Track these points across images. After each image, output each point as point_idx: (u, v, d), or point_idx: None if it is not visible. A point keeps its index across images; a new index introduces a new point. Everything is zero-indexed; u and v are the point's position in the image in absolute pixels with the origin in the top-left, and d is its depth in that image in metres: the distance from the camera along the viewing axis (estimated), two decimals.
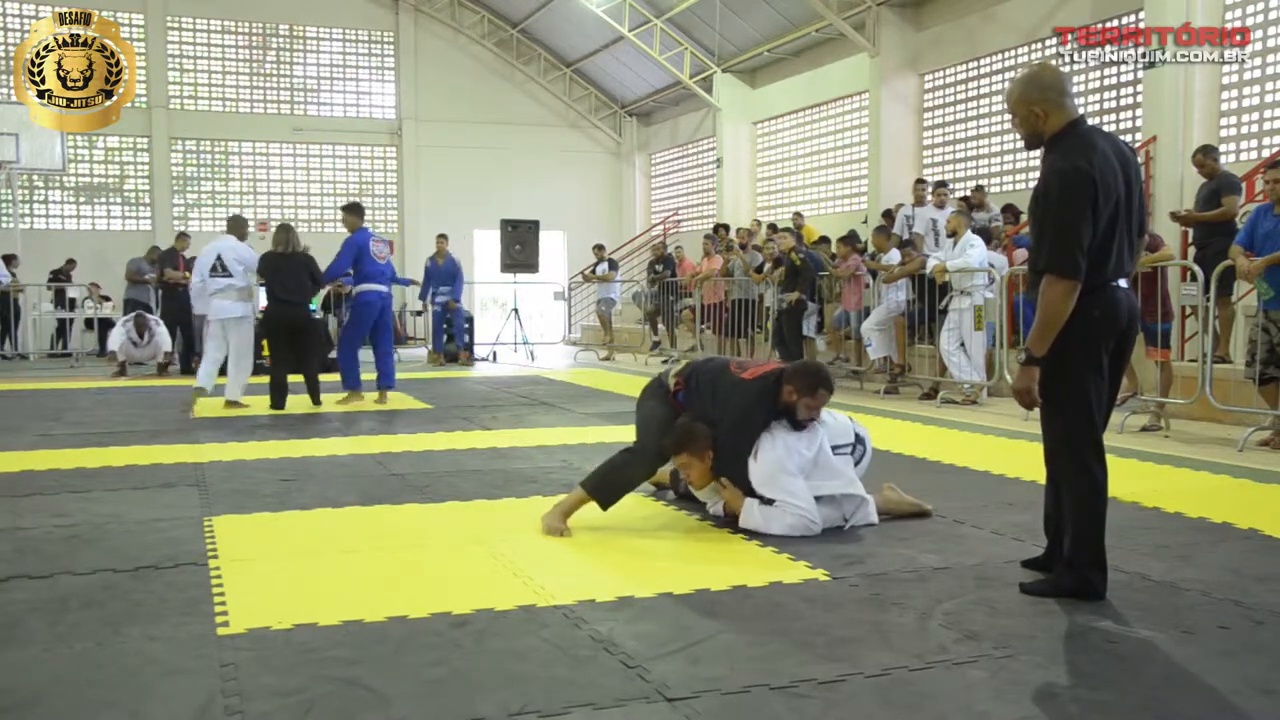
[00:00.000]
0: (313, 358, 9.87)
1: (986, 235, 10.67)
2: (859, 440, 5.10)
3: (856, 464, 5.04)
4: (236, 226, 10.05)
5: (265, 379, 9.98)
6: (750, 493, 4.80)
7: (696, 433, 4.85)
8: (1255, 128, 11.65)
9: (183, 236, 15.74)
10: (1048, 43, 14.06)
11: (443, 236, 16.48)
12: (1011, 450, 7.26)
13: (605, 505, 4.99)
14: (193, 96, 22.15)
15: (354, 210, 10.33)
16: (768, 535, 4.64)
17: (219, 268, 9.69)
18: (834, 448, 4.96)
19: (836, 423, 5.07)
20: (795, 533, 4.64)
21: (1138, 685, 2.97)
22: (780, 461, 4.73)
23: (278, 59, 22.61)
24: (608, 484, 4.99)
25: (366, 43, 23.09)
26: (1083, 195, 3.50)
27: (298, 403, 9.75)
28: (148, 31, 21.39)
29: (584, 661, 3.15)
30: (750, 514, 4.74)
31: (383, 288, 10.13)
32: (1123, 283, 3.66)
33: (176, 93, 21.94)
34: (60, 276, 18.05)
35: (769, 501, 4.73)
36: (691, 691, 2.90)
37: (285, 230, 9.78)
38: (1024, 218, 12.36)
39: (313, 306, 12.14)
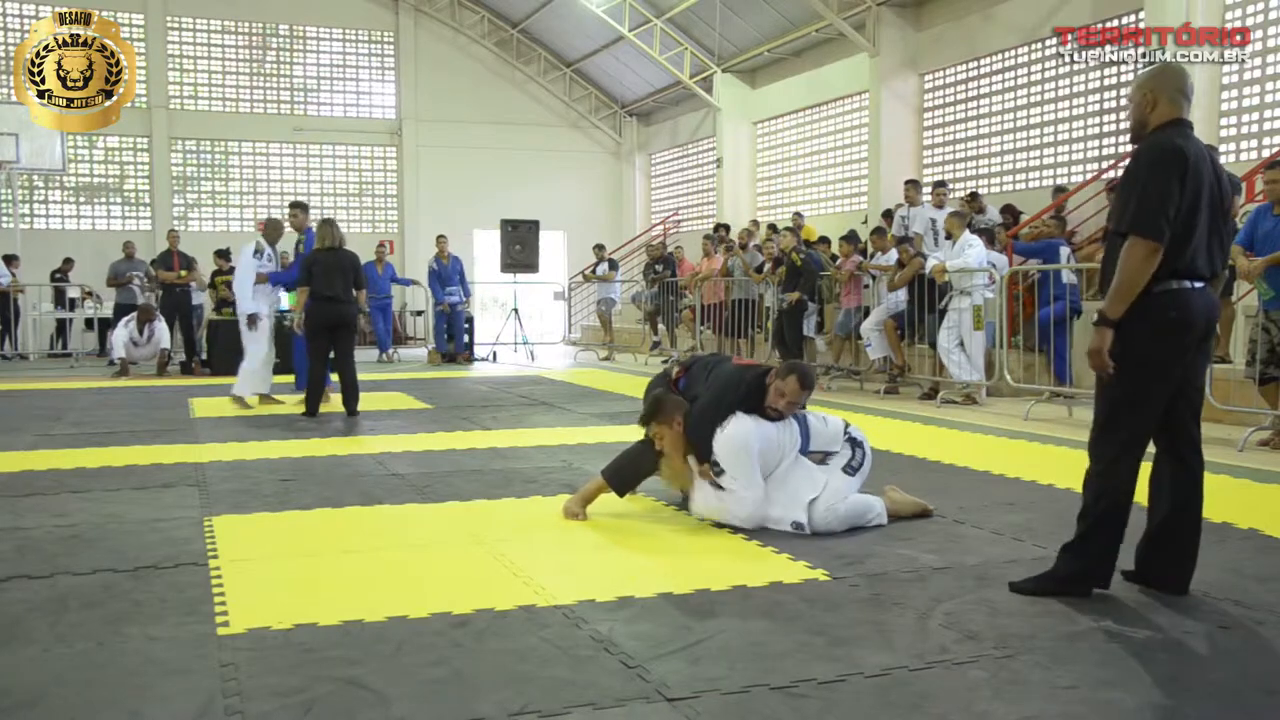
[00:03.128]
0: (352, 360, 9.31)
1: (990, 236, 10.67)
2: (856, 444, 5.04)
3: (857, 470, 4.98)
4: (267, 229, 10.18)
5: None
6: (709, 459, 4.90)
7: (665, 402, 5.05)
8: (1255, 128, 11.65)
9: (172, 234, 15.79)
10: (1048, 43, 14.05)
11: (442, 237, 16.52)
12: (1012, 450, 7.27)
13: (620, 492, 5.19)
14: (193, 96, 22.13)
15: (305, 209, 10.45)
16: (768, 534, 4.65)
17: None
18: (823, 453, 4.97)
19: (828, 428, 5.05)
20: (746, 525, 4.75)
21: (1138, 685, 2.97)
22: (746, 436, 4.76)
23: (278, 59, 22.59)
24: (623, 472, 5.18)
25: (367, 43, 23.08)
26: (1172, 165, 3.54)
27: (293, 403, 9.72)
28: (148, 31, 21.37)
29: (584, 661, 3.15)
30: (706, 498, 4.85)
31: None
32: (1199, 283, 3.66)
33: (176, 93, 21.92)
34: (58, 276, 18.05)
35: (718, 487, 4.83)
36: (692, 691, 2.90)
37: (331, 225, 9.34)
38: (1024, 217, 12.37)
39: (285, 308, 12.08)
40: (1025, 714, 2.77)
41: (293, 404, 9.78)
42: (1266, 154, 11.03)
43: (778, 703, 2.84)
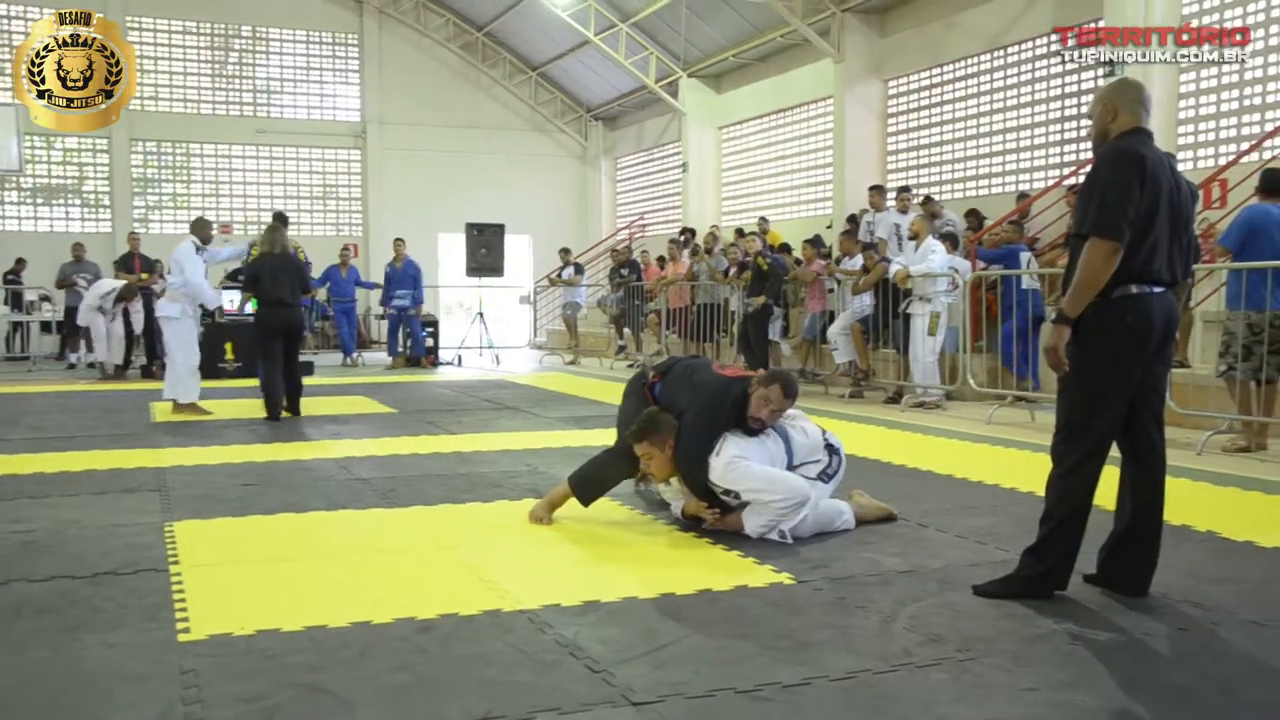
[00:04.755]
0: (298, 363, 9.57)
1: (954, 239, 10.75)
2: (833, 451, 5.02)
3: (832, 476, 4.96)
4: (196, 227, 9.93)
5: (231, 382, 9.95)
6: (707, 493, 4.80)
7: (659, 422, 4.91)
8: (1212, 135, 11.82)
9: (133, 237, 15.64)
10: (1009, 49, 14.20)
11: (399, 240, 16.41)
12: (975, 454, 7.32)
13: (585, 502, 5.13)
14: (154, 98, 21.90)
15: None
16: (736, 538, 4.65)
17: (170, 268, 9.77)
18: (802, 465, 4.92)
19: (808, 439, 4.99)
20: (789, 518, 4.61)
21: (1099, 686, 3.00)
22: (743, 450, 4.71)
23: (240, 60, 22.41)
24: (589, 481, 5.13)
25: (330, 45, 22.93)
26: (1132, 168, 3.61)
27: (255, 406, 9.63)
28: None
29: (549, 666, 3.15)
30: (749, 521, 4.69)
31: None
32: (1158, 288, 3.70)
33: (137, 93, 21.65)
34: (11, 278, 17.76)
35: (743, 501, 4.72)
36: (657, 695, 2.90)
37: (276, 231, 9.58)
38: (988, 222, 12.48)
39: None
40: (987, 716, 2.79)
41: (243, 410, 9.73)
42: (1224, 161, 11.18)
43: (743, 706, 2.84)
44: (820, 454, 4.98)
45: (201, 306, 10.08)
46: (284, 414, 9.35)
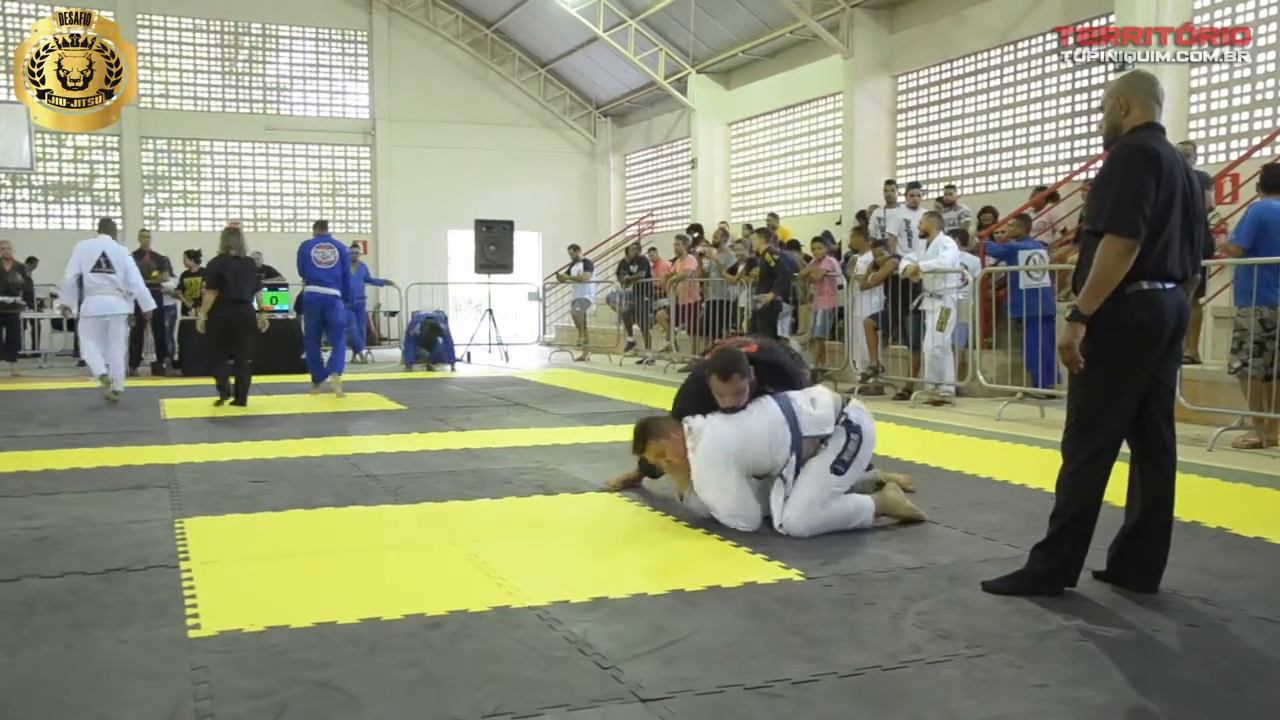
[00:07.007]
0: (248, 357, 10.17)
1: (963, 236, 10.72)
2: (851, 429, 4.72)
3: (848, 464, 4.69)
4: (109, 228, 10.80)
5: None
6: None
7: (651, 424, 5.08)
8: (1224, 130, 11.77)
9: (144, 234, 15.67)
10: (1019, 44, 14.17)
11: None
12: (985, 450, 7.31)
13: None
14: (164, 95, 21.96)
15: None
16: (743, 535, 4.65)
17: (103, 265, 10.33)
18: (819, 438, 4.70)
19: (817, 410, 4.74)
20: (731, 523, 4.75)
21: (1108, 683, 2.99)
22: (715, 447, 4.72)
23: (250, 58, 22.46)
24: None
25: (340, 42, 22.97)
26: (1148, 164, 3.59)
27: (267, 403, 9.70)
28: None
29: (558, 662, 3.15)
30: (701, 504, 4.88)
31: (325, 289, 11.00)
32: (1170, 284, 3.69)
33: (147, 91, 21.74)
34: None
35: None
36: (666, 692, 2.90)
37: (236, 234, 10.35)
38: (1001, 216, 12.42)
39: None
40: (996, 712, 2.78)
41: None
42: (1235, 156, 11.14)
43: (752, 703, 2.84)
44: (831, 427, 4.70)
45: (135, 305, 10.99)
46: (301, 411, 9.57)
